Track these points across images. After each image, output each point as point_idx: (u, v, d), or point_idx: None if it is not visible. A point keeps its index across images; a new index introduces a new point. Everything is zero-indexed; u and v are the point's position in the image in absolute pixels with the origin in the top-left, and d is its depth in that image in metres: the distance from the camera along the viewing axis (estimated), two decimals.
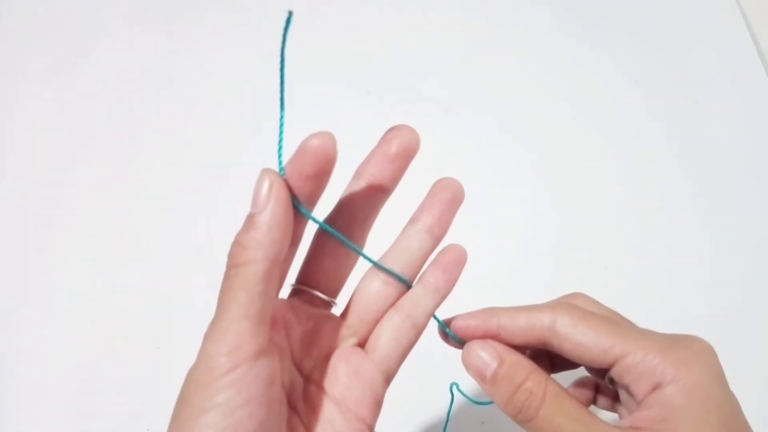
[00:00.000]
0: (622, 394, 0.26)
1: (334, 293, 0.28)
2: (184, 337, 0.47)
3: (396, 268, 0.27)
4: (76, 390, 0.45)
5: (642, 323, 0.26)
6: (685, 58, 0.59)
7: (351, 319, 0.27)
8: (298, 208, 0.24)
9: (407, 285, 0.27)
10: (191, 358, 0.46)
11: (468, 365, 0.25)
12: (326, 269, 0.27)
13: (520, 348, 0.26)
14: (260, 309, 0.22)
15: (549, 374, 0.26)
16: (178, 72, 0.58)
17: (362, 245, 0.28)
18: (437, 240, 0.28)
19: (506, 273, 0.48)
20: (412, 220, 0.28)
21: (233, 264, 0.23)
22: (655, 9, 0.62)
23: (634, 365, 0.23)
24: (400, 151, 0.26)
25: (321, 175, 0.24)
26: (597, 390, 0.29)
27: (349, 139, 0.54)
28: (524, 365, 0.25)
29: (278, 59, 0.23)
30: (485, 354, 0.25)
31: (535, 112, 0.56)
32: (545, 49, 0.60)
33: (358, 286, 0.28)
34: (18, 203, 0.52)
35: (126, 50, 0.60)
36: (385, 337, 0.27)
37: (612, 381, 0.26)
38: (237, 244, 0.23)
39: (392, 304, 0.28)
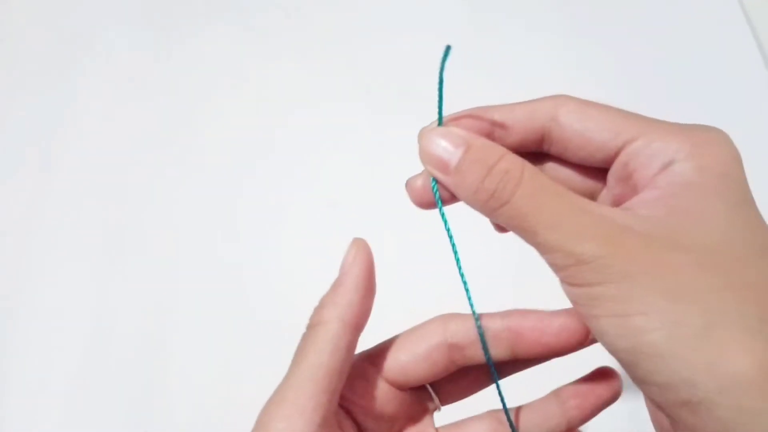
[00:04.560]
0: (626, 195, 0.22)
1: (445, 401, 0.27)
2: (184, 339, 0.47)
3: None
4: (75, 390, 0.45)
5: None
6: (686, 57, 0.59)
7: None
8: (480, 334, 0.23)
9: None
10: (190, 360, 0.47)
11: (426, 157, 0.21)
12: (454, 381, 0.26)
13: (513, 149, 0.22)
14: (327, 373, 0.21)
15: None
16: (179, 75, 0.58)
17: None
18: (570, 427, 0.25)
19: (508, 273, 0.48)
20: (559, 395, 0.25)
21: (309, 324, 0.22)
22: (655, 9, 0.62)
23: (644, 147, 0.20)
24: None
25: (552, 354, 0.23)
26: None
27: (349, 138, 0.55)
28: (495, 147, 0.21)
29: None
30: (447, 142, 0.21)
31: None
32: (545, 48, 0.59)
33: (467, 420, 0.26)
34: (17, 202, 0.52)
35: (128, 54, 0.59)
36: None
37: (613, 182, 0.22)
38: (318, 305, 0.23)
39: None
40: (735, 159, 0.20)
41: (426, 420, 0.27)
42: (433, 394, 0.26)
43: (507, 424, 0.25)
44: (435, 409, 0.27)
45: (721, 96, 0.57)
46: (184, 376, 0.45)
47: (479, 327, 0.23)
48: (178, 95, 0.57)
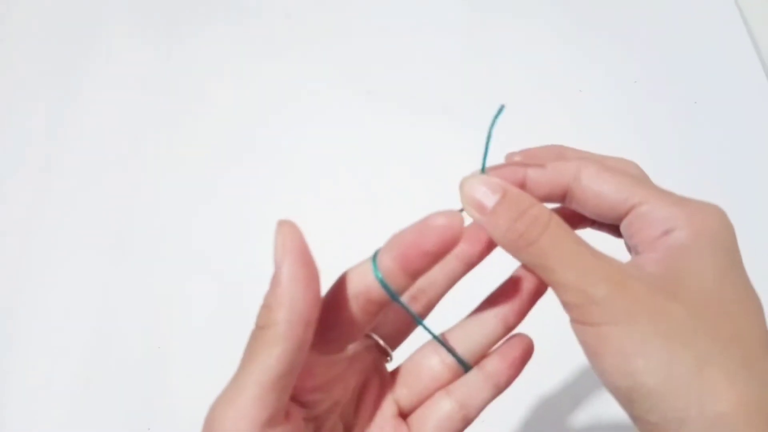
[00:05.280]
0: (632, 252, 0.25)
1: (393, 345, 0.28)
2: (185, 337, 0.47)
3: (459, 349, 0.27)
4: (77, 390, 0.45)
5: None
6: (683, 57, 0.59)
7: (399, 385, 0.27)
8: (377, 276, 0.23)
9: (466, 369, 0.27)
10: (192, 357, 0.47)
11: (466, 199, 0.24)
12: (391, 321, 0.27)
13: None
14: (276, 375, 0.21)
15: None
16: (179, 75, 0.58)
17: (430, 310, 0.28)
18: (508, 331, 0.27)
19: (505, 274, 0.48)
20: (490, 301, 0.27)
21: (257, 325, 0.22)
22: (653, 9, 0.62)
23: (649, 212, 0.23)
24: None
25: (438, 256, 0.23)
26: None
27: (349, 138, 0.55)
28: (528, 197, 0.24)
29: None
30: (486, 188, 0.24)
31: (535, 111, 0.56)
32: (545, 48, 0.60)
33: (414, 355, 0.28)
34: (19, 202, 0.52)
35: (129, 53, 0.60)
36: (432, 425, 0.26)
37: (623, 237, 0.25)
38: (263, 305, 0.22)
39: (445, 384, 0.27)
40: (727, 229, 0.23)
41: (380, 369, 0.28)
42: (383, 344, 0.27)
43: (453, 345, 0.27)
44: (387, 359, 0.28)
45: (719, 93, 0.57)
46: (186, 376, 0.45)
47: (381, 280, 0.23)
48: (178, 96, 0.57)
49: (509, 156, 0.27)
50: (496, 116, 0.24)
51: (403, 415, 0.27)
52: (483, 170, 0.25)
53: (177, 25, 0.61)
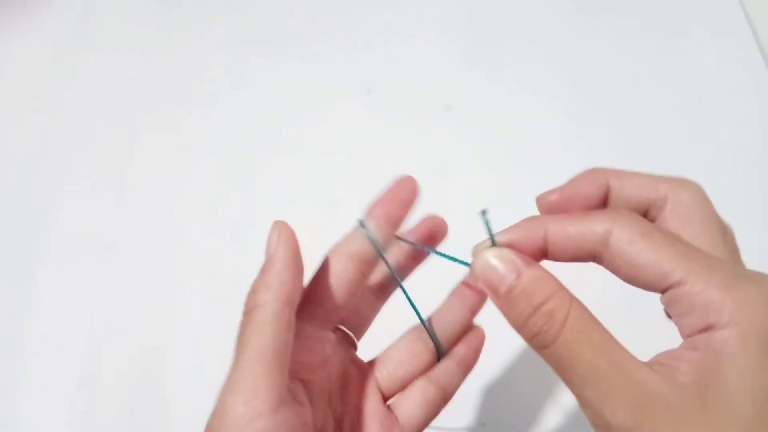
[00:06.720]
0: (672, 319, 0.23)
1: (358, 336, 0.30)
2: (184, 338, 0.47)
3: (439, 338, 0.29)
4: (74, 392, 0.44)
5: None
6: (687, 55, 0.59)
7: (381, 372, 0.29)
8: (369, 236, 0.26)
9: (440, 356, 0.29)
10: (190, 359, 0.47)
11: (478, 275, 0.22)
12: (359, 312, 0.29)
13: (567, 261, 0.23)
14: (274, 351, 0.22)
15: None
16: (178, 76, 0.58)
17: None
18: (474, 315, 0.30)
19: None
20: (456, 291, 0.30)
21: (246, 310, 0.23)
22: (656, 5, 0.62)
23: (689, 295, 0.20)
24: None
25: (409, 203, 0.27)
26: None
27: (349, 137, 0.55)
28: (545, 282, 0.21)
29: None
30: (500, 264, 0.22)
31: (536, 110, 0.55)
32: (546, 47, 0.59)
33: (398, 342, 0.29)
34: (17, 203, 0.52)
35: (125, 48, 0.59)
36: (418, 410, 0.28)
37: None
38: (250, 291, 0.24)
39: (424, 370, 0.29)
40: None
41: (356, 361, 0.29)
42: (347, 331, 0.29)
43: (424, 337, 0.29)
44: (355, 348, 0.30)
45: (722, 91, 0.57)
46: (184, 378, 0.45)
47: (371, 237, 0.26)
48: (176, 97, 0.57)
49: (543, 197, 0.25)
50: (486, 223, 0.23)
51: (385, 398, 0.29)
52: (493, 242, 0.23)
53: (177, 26, 0.61)
